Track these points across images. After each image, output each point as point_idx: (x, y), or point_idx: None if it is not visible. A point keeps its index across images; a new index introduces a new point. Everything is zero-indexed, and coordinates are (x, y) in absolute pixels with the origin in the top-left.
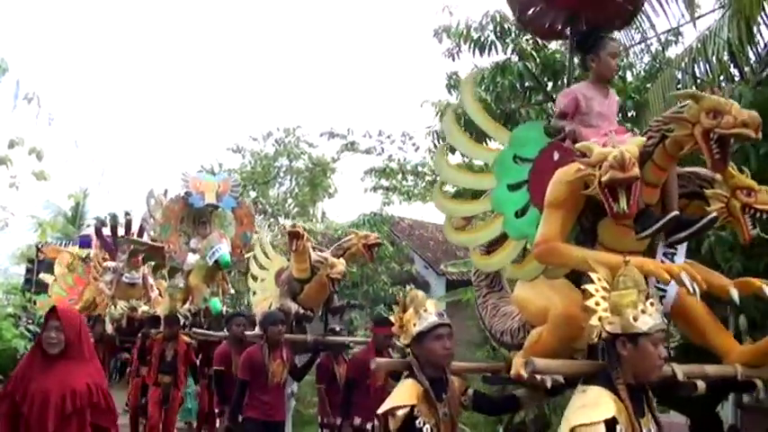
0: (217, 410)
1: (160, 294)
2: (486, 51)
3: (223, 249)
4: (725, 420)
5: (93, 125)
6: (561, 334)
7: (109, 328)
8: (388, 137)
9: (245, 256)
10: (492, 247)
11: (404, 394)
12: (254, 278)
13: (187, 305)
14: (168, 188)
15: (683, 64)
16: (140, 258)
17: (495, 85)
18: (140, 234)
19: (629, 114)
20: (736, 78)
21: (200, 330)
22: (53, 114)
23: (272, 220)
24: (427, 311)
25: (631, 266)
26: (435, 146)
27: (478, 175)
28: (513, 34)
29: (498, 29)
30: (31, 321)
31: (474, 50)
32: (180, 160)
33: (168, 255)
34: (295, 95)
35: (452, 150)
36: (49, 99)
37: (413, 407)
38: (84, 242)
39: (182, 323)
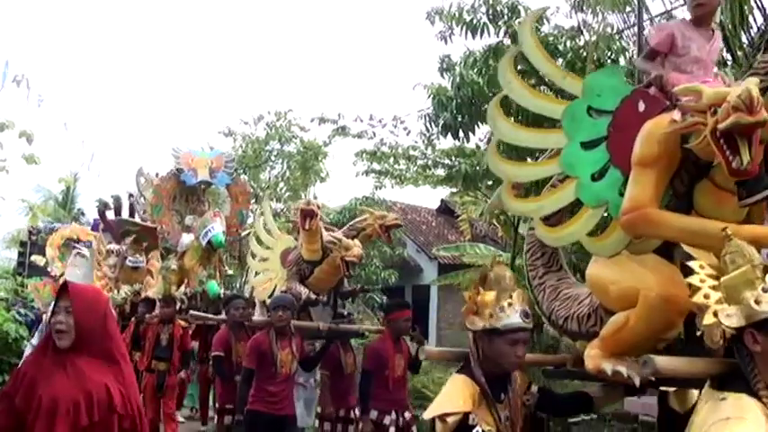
0: (217, 404)
1: (152, 276)
2: (479, 34)
3: (216, 229)
4: None
5: (83, 107)
6: (657, 320)
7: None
8: (380, 121)
9: (242, 234)
10: (555, 217)
11: (456, 397)
12: (254, 256)
13: (182, 288)
14: (159, 171)
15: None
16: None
17: (488, 69)
18: (131, 214)
19: None
20: (729, 63)
21: (198, 314)
22: (42, 96)
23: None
24: (512, 305)
25: (736, 240)
26: (427, 129)
27: (542, 131)
28: (505, 17)
29: (491, 11)
30: (23, 305)
31: (466, 33)
32: (170, 143)
33: (161, 236)
34: (286, 79)
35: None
36: (38, 81)
37: (467, 414)
38: (97, 225)
39: (177, 307)
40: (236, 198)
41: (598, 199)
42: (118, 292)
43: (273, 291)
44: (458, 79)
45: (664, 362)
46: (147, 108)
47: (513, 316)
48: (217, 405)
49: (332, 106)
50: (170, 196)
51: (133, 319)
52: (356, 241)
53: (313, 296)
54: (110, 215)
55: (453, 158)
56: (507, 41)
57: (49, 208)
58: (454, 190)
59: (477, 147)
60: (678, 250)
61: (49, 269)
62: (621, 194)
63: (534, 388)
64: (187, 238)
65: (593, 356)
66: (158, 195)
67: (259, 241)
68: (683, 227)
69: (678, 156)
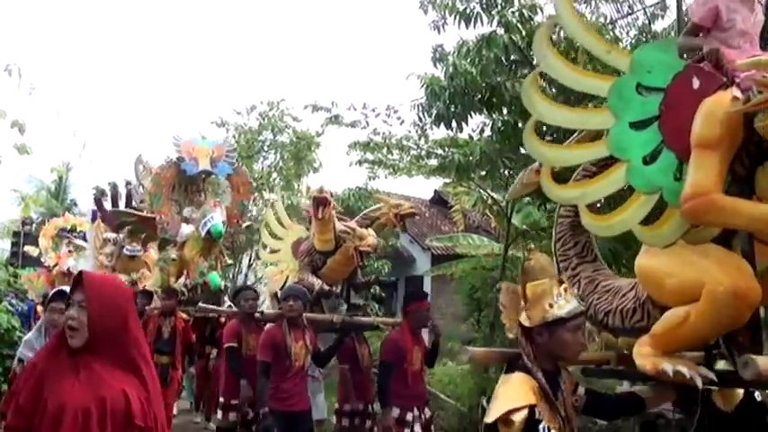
0: (222, 399)
1: (148, 268)
2: (472, 23)
3: (216, 219)
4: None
5: (75, 97)
6: (724, 316)
7: None
8: (373, 110)
9: (243, 225)
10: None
11: (517, 393)
12: (265, 247)
13: (182, 279)
14: (155, 160)
15: (669, 37)
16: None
17: (481, 58)
18: (128, 203)
19: None
20: None
21: (206, 306)
22: (34, 85)
23: (256, 194)
24: (567, 291)
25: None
26: (420, 119)
27: (585, 110)
28: (498, 6)
29: (484, 1)
30: (15, 296)
31: (459, 22)
32: (163, 133)
33: (160, 226)
34: (279, 68)
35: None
36: (30, 69)
37: (532, 407)
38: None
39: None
40: (237, 188)
41: (651, 184)
42: None
43: (285, 282)
44: (451, 69)
45: (766, 363)
46: (139, 98)
47: (571, 301)
48: (221, 400)
49: (325, 96)
50: (170, 185)
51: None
52: (370, 230)
53: (326, 287)
54: (107, 205)
55: (446, 149)
56: (500, 31)
57: (42, 198)
58: (447, 180)
59: (470, 137)
60: (738, 238)
61: (42, 260)
62: (677, 179)
63: (581, 389)
64: (187, 229)
65: (646, 355)
66: (158, 184)
67: (270, 232)
68: (758, 214)
69: (741, 136)
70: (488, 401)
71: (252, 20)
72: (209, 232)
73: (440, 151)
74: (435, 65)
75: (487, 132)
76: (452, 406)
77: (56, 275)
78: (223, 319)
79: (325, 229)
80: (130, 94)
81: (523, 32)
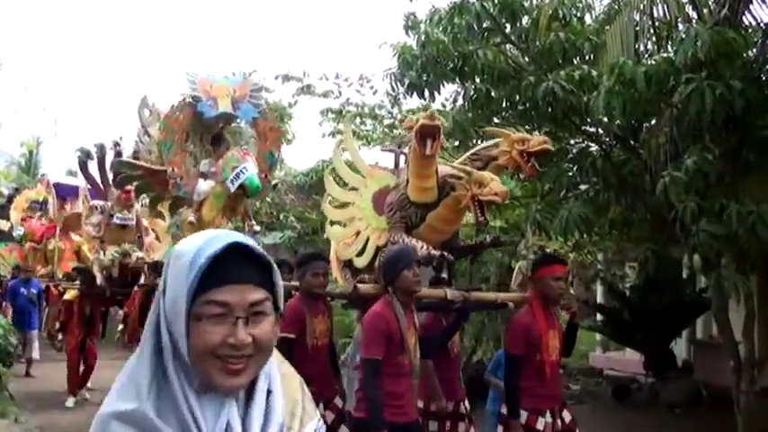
0: None
1: (157, 238)
2: None
3: (250, 169)
4: (678, 355)
5: (45, 72)
6: None
7: (98, 279)
8: (346, 80)
9: (272, 182)
10: None
11: None
12: (332, 201)
13: None
14: (123, 136)
15: (641, 6)
16: (132, 193)
17: (453, 27)
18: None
19: (587, 57)
20: (694, 19)
21: None
22: (2, 59)
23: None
24: None
25: None
26: (393, 88)
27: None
28: None
29: None
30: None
31: None
32: (134, 106)
33: (173, 181)
34: (250, 39)
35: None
36: None
37: None
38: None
39: None
40: (263, 136)
41: None
42: (104, 253)
43: (364, 247)
44: (423, 37)
45: None
46: (109, 70)
47: None
48: None
49: (296, 65)
50: (183, 131)
51: (137, 287)
52: (489, 173)
53: (435, 252)
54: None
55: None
56: None
57: (12, 173)
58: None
59: (443, 106)
60: None
61: (13, 234)
62: None
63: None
64: (205, 185)
65: None
66: (169, 129)
67: (339, 181)
68: None
69: None
70: (462, 371)
71: None
72: (242, 187)
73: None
74: (407, 33)
75: (460, 101)
76: None
77: (28, 250)
78: None
79: (428, 172)
80: (101, 66)
81: (495, 0)
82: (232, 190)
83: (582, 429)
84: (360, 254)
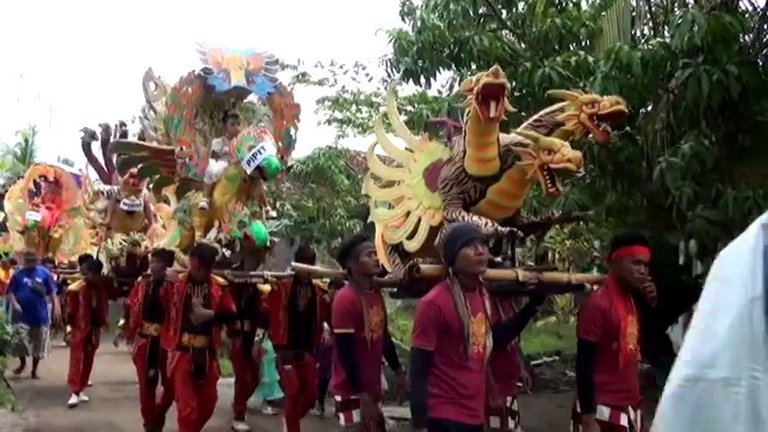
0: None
1: (163, 226)
2: None
3: (268, 149)
4: (674, 341)
5: (40, 60)
6: None
7: (105, 268)
8: (341, 67)
9: (288, 162)
10: None
11: None
12: (374, 179)
13: (213, 232)
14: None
15: None
16: (137, 176)
17: (449, 12)
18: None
19: (583, 43)
20: (690, 4)
21: (302, 266)
22: None
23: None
24: None
25: None
26: (389, 75)
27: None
28: None
29: None
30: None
31: None
32: (130, 95)
33: (181, 162)
34: (244, 25)
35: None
36: None
37: None
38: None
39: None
40: (280, 113)
41: None
42: (112, 242)
43: (415, 229)
44: (419, 23)
45: None
46: (104, 59)
47: None
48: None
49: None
50: (192, 107)
51: (141, 278)
52: (556, 139)
53: (503, 229)
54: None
55: (415, 105)
56: None
57: (8, 162)
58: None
59: (439, 92)
60: None
61: (7, 224)
62: None
63: None
64: (216, 167)
65: None
66: (177, 104)
67: (381, 155)
68: None
69: None
70: None
71: None
72: (259, 169)
73: (409, 107)
74: (403, 19)
75: (456, 88)
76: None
77: (29, 237)
78: (265, 287)
79: (489, 140)
80: (96, 56)
81: None
82: (248, 172)
83: (568, 417)
84: (410, 236)
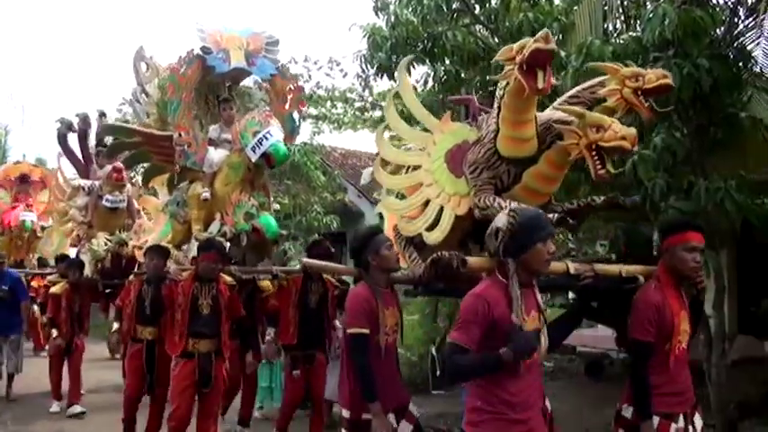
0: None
1: (147, 218)
2: None
3: (274, 135)
4: None
5: (11, 60)
6: None
7: (87, 269)
8: (315, 63)
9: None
10: None
11: None
12: (385, 165)
13: (216, 225)
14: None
15: None
16: (124, 172)
17: (422, 7)
18: (100, 143)
19: (556, 37)
20: None
21: (313, 261)
22: None
23: None
24: None
25: None
26: (363, 71)
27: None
28: None
29: None
30: None
31: None
32: (104, 94)
33: (179, 149)
34: (218, 21)
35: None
36: None
37: None
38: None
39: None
40: (282, 96)
41: None
42: (97, 242)
43: (436, 219)
44: (392, 18)
45: None
46: (78, 58)
47: None
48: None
49: None
50: (190, 90)
51: (133, 276)
52: (604, 116)
53: (551, 217)
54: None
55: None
56: None
57: None
58: (392, 133)
59: (414, 88)
60: None
61: (26, 221)
62: None
63: None
64: (216, 155)
65: None
66: (176, 85)
67: (393, 137)
68: None
69: None
70: (437, 350)
71: None
72: (266, 156)
73: (384, 103)
74: (377, 14)
75: (430, 83)
76: (402, 356)
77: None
78: (265, 283)
79: (528, 117)
80: (68, 55)
81: None
82: (254, 159)
83: (556, 405)
84: (430, 227)
